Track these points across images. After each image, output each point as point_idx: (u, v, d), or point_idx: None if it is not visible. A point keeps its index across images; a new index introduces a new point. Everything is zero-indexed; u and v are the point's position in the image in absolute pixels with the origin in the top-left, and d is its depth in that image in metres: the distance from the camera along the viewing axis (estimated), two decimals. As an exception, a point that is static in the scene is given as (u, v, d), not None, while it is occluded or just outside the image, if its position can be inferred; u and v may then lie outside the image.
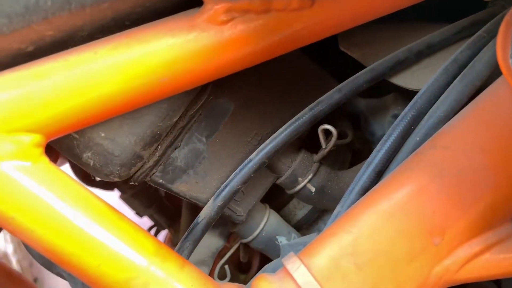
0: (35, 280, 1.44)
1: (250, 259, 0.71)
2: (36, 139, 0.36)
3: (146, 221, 0.88)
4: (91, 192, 0.39)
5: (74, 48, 0.36)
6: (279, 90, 0.52)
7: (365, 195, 0.41)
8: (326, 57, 0.55)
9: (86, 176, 0.77)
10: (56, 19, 0.33)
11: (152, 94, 0.38)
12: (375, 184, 0.44)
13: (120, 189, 0.81)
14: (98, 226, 0.36)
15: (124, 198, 0.82)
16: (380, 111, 0.58)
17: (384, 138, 0.44)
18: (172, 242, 0.89)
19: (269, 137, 0.51)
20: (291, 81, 0.52)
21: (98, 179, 0.79)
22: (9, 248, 1.43)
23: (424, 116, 0.44)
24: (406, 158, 0.42)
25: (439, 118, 0.43)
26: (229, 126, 0.50)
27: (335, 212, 0.44)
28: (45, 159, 0.37)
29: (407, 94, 0.56)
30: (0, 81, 0.34)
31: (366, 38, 0.51)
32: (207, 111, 0.49)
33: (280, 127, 0.49)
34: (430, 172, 0.39)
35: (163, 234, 0.92)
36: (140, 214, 0.85)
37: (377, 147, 0.44)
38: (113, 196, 0.80)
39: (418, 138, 0.43)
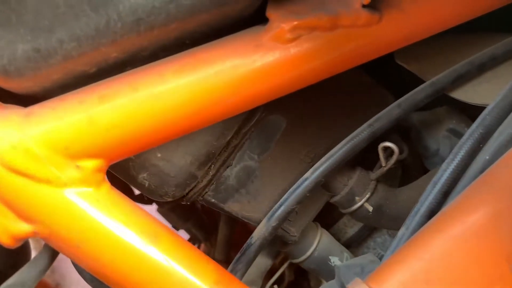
0: (57, 286, 1.44)
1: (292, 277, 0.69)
2: (99, 164, 0.34)
3: (182, 234, 0.87)
4: (153, 217, 0.38)
5: (139, 69, 0.35)
6: (333, 105, 0.50)
7: (433, 217, 0.39)
8: (379, 70, 0.53)
9: (124, 190, 0.76)
10: (124, 41, 0.31)
11: (216, 115, 0.37)
12: (442, 205, 0.42)
13: (157, 203, 0.80)
14: (162, 253, 0.35)
15: (162, 211, 0.81)
16: (433, 124, 0.55)
17: (451, 157, 0.42)
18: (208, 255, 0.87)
19: (323, 154, 0.49)
20: (345, 96, 0.51)
21: (137, 192, 0.79)
22: (33, 255, 1.43)
23: (493, 133, 0.42)
24: (475, 178, 0.40)
25: (511, 136, 0.41)
26: (281, 143, 0.49)
27: (399, 234, 0.42)
28: (107, 184, 0.36)
29: (461, 106, 0.54)
30: (64, 105, 0.33)
31: (424, 50, 0.49)
32: (259, 128, 0.47)
33: (334, 144, 0.47)
34: (505, 194, 0.37)
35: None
36: (177, 227, 0.84)
37: (443, 166, 0.42)
38: (150, 210, 0.79)
39: (487, 157, 0.41)
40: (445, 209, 0.40)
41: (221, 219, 0.77)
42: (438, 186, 0.42)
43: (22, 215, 0.33)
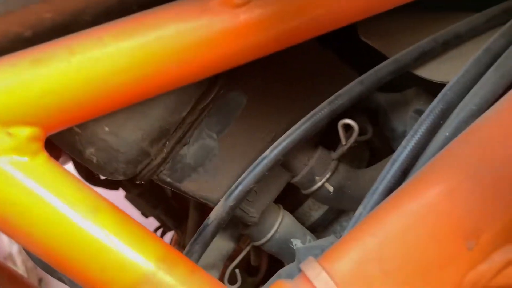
0: (40, 280, 1.42)
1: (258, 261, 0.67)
2: (34, 132, 0.32)
3: (152, 222, 0.85)
4: (95, 191, 0.36)
5: (77, 33, 0.33)
6: (295, 82, 0.49)
7: (390, 195, 0.38)
8: (343, 47, 0.52)
9: (90, 175, 0.74)
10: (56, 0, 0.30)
11: (160, 84, 0.35)
12: (401, 184, 0.41)
13: (125, 189, 0.78)
14: (102, 228, 0.33)
15: (130, 198, 0.79)
16: (401, 106, 0.54)
17: (411, 133, 0.41)
18: (178, 244, 0.86)
19: (283, 132, 0.47)
20: (308, 73, 0.49)
21: (102, 178, 0.77)
22: (14, 249, 1.41)
23: (454, 110, 0.41)
24: (434, 155, 0.39)
25: (471, 112, 0.39)
26: (241, 121, 0.47)
27: (356, 213, 0.41)
28: (44, 155, 0.34)
29: (430, 88, 0.53)
30: (-5, 69, 0.31)
31: (388, 27, 0.48)
32: (218, 105, 0.46)
33: (295, 122, 0.45)
34: (463, 170, 0.36)
35: (169, 235, 0.89)
36: (146, 214, 0.82)
37: (403, 143, 0.41)
38: (118, 196, 0.77)
39: (447, 133, 0.40)
40: (402, 186, 0.38)
41: (190, 205, 0.75)
42: (397, 164, 0.41)
43: (-51, 185, 0.31)
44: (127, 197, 0.79)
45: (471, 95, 0.40)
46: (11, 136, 0.32)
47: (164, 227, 0.84)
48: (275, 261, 0.67)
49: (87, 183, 0.35)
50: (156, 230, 0.84)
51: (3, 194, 0.32)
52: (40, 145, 0.34)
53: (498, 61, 0.40)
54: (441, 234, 0.35)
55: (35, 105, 0.32)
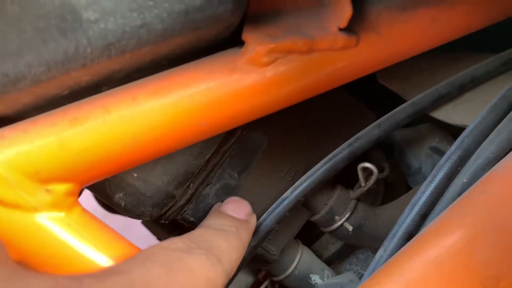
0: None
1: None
2: (71, 188, 0.34)
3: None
4: (126, 239, 0.37)
5: (111, 91, 0.34)
6: (314, 123, 0.50)
7: (411, 240, 0.39)
8: (360, 88, 0.53)
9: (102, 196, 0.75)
10: (94, 66, 0.31)
11: (190, 137, 0.37)
12: (420, 228, 0.42)
13: (142, 215, 0.79)
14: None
15: (146, 224, 0.80)
16: (416, 142, 0.55)
17: (429, 179, 0.42)
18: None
19: (304, 172, 0.49)
20: (326, 114, 0.50)
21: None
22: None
23: (471, 156, 0.42)
24: (453, 200, 0.40)
25: (488, 159, 0.41)
26: (262, 162, 0.48)
27: (377, 256, 0.42)
28: (79, 207, 0.35)
29: (443, 124, 0.54)
30: (35, 128, 0.33)
31: (405, 70, 0.49)
32: (239, 146, 0.47)
33: (315, 162, 0.47)
34: (481, 218, 0.37)
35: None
36: (161, 239, 0.83)
37: (422, 188, 0.42)
38: (134, 222, 0.79)
39: (465, 180, 0.41)
40: (422, 232, 0.39)
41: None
42: (416, 208, 0.42)
43: (-9, 240, 0.33)
44: (143, 222, 0.80)
45: (488, 143, 0.41)
46: (49, 193, 0.33)
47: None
48: None
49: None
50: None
51: (42, 248, 0.33)
52: (75, 198, 0.35)
53: (515, 109, 0.41)
54: (459, 281, 0.36)
55: (72, 163, 0.33)
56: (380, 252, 0.42)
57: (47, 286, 0.23)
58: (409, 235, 0.41)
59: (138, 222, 0.76)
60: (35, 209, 0.33)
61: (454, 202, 0.40)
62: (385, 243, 0.42)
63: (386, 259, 0.41)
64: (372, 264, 0.42)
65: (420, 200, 0.42)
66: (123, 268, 0.28)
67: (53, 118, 0.33)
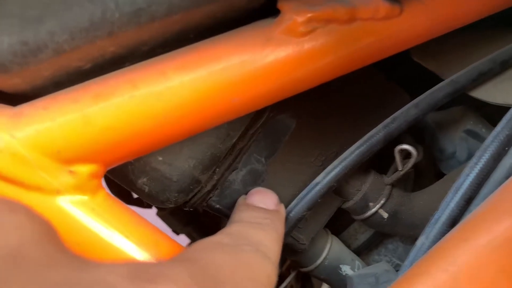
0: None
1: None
2: (95, 169, 0.31)
3: (183, 239, 0.84)
4: (150, 224, 0.35)
5: (137, 66, 0.32)
6: (344, 105, 0.47)
7: (457, 226, 0.36)
8: (394, 68, 0.51)
9: (122, 193, 0.73)
10: (122, 34, 0.28)
11: (221, 115, 0.34)
12: (464, 212, 0.39)
13: (158, 207, 0.77)
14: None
15: (161, 215, 0.78)
16: (449, 125, 0.52)
17: (474, 160, 0.39)
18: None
19: (334, 157, 0.46)
20: (357, 95, 0.48)
21: (135, 196, 0.76)
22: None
23: (520, 135, 0.39)
24: (500, 183, 0.37)
25: (540, 138, 0.38)
26: (290, 145, 0.46)
27: (418, 244, 0.39)
28: (103, 191, 0.33)
29: (475, 105, 0.51)
30: (56, 104, 0.30)
31: (442, 47, 0.46)
32: (266, 129, 0.44)
33: (345, 146, 0.44)
34: (535, 201, 0.34)
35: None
36: (177, 231, 0.81)
37: (466, 170, 0.39)
38: (150, 213, 0.76)
39: (514, 161, 0.38)
40: (469, 217, 0.37)
41: (222, 222, 0.74)
42: (461, 192, 0.39)
43: (11, 226, 0.30)
44: (158, 214, 0.78)
45: (539, 120, 0.38)
46: (72, 174, 0.31)
47: (195, 244, 0.83)
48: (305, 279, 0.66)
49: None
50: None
51: (66, 235, 0.31)
52: (99, 181, 0.33)
53: None
54: (513, 268, 0.34)
55: (96, 142, 0.31)
56: (422, 239, 0.39)
57: (123, 272, 0.20)
58: (453, 221, 0.39)
59: (149, 214, 0.74)
60: (57, 192, 0.30)
61: (502, 184, 0.37)
62: (427, 229, 0.39)
63: (429, 246, 0.38)
64: (413, 252, 0.39)
65: (465, 183, 0.39)
66: (191, 256, 0.27)
67: (75, 94, 0.31)
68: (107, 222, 0.31)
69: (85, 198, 0.31)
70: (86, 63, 0.31)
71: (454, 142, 0.52)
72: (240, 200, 0.42)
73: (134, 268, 0.21)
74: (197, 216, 0.81)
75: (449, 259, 0.34)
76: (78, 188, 0.31)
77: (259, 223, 0.37)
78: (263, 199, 0.41)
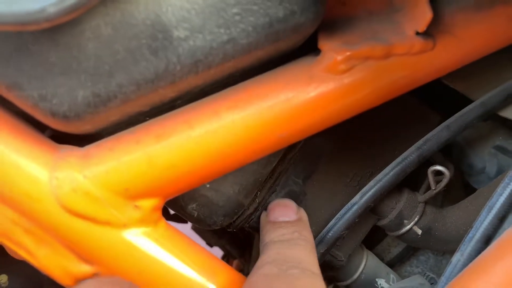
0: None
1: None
2: (156, 203, 0.34)
3: (217, 251, 0.87)
4: (207, 251, 0.37)
5: (192, 106, 0.35)
6: (377, 126, 0.49)
7: (493, 243, 0.38)
8: (424, 90, 0.52)
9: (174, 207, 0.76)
10: (182, 82, 0.31)
11: (269, 149, 0.37)
12: (498, 230, 0.41)
13: (192, 221, 0.80)
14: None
15: (196, 229, 0.81)
16: (478, 141, 0.54)
17: (506, 180, 0.41)
18: (241, 271, 0.87)
19: (369, 177, 0.48)
20: (389, 117, 0.50)
21: (172, 212, 0.79)
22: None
23: (550, 155, 0.41)
24: (533, 202, 0.39)
25: None
26: (326, 167, 0.48)
27: (454, 260, 0.41)
28: (163, 221, 0.36)
29: (504, 121, 0.52)
30: (121, 145, 0.33)
31: (470, 69, 0.48)
32: (303, 152, 0.47)
33: (380, 166, 0.46)
34: None
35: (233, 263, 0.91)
36: (211, 244, 0.83)
37: (499, 190, 0.41)
38: (185, 226, 0.79)
39: (546, 180, 0.40)
40: (505, 234, 0.39)
41: (255, 236, 0.76)
42: (494, 211, 0.41)
43: (83, 257, 0.33)
44: (193, 228, 0.81)
45: None
46: (138, 209, 0.33)
47: (229, 256, 0.86)
48: None
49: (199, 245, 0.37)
50: (222, 259, 0.85)
51: (133, 263, 0.34)
52: (160, 213, 0.36)
53: None
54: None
55: (159, 179, 0.33)
56: (457, 256, 0.41)
57: None
58: (488, 239, 0.40)
59: (184, 227, 0.77)
60: (124, 226, 0.33)
61: (535, 203, 0.39)
62: (462, 246, 0.41)
63: (465, 263, 0.40)
64: (449, 268, 0.41)
65: (498, 202, 0.41)
66: None
67: (137, 135, 0.34)
68: (169, 251, 0.34)
69: (148, 229, 0.34)
70: (146, 107, 0.33)
71: (483, 157, 0.54)
72: (263, 218, 0.44)
73: None
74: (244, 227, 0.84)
75: (486, 277, 0.36)
76: (143, 221, 0.34)
77: (290, 240, 0.39)
78: (284, 211, 0.43)
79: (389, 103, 0.50)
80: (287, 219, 0.43)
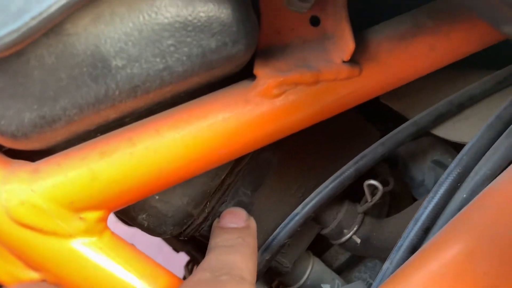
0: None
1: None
2: (101, 215, 0.37)
3: (183, 257, 0.89)
4: (150, 258, 0.40)
5: (136, 125, 0.38)
6: (321, 141, 0.53)
7: (415, 254, 0.42)
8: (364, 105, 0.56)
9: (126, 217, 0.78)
10: (122, 104, 0.34)
11: (210, 164, 0.40)
12: (423, 241, 0.45)
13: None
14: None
15: (162, 235, 0.83)
16: (419, 155, 0.58)
17: (431, 195, 0.45)
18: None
19: (313, 188, 0.52)
20: (332, 132, 0.53)
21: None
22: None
23: (470, 172, 0.44)
24: (453, 215, 0.43)
25: (486, 176, 0.43)
26: (273, 179, 0.51)
27: (384, 268, 0.45)
28: (108, 231, 0.39)
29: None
30: (67, 161, 0.36)
31: (406, 90, 0.52)
32: (251, 166, 0.50)
33: (323, 178, 0.49)
34: (480, 232, 0.40)
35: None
36: (177, 250, 0.86)
37: (424, 203, 0.45)
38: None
39: (464, 195, 0.44)
40: (425, 245, 0.42)
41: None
42: (419, 223, 0.45)
43: (31, 265, 0.36)
44: (159, 234, 0.84)
45: (485, 160, 0.44)
46: (83, 220, 0.36)
47: (194, 261, 0.88)
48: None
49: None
50: (187, 264, 0.88)
51: (78, 271, 0.36)
52: (105, 224, 0.38)
53: (509, 128, 0.44)
54: (461, 291, 0.39)
55: (103, 193, 0.36)
56: (387, 264, 0.45)
57: None
58: (413, 248, 0.44)
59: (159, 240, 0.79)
60: (70, 236, 0.36)
61: (454, 216, 0.42)
62: (391, 255, 0.45)
63: (392, 271, 0.44)
64: (380, 275, 0.45)
65: (423, 215, 0.45)
66: None
67: (83, 152, 0.37)
68: (113, 259, 0.37)
69: (93, 239, 0.37)
70: (91, 127, 0.36)
71: (423, 171, 0.57)
72: (214, 223, 0.47)
73: None
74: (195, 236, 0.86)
75: (403, 284, 0.40)
76: (87, 231, 0.37)
77: (231, 246, 0.42)
78: (233, 218, 0.46)
79: (333, 119, 0.54)
80: (235, 225, 0.45)
